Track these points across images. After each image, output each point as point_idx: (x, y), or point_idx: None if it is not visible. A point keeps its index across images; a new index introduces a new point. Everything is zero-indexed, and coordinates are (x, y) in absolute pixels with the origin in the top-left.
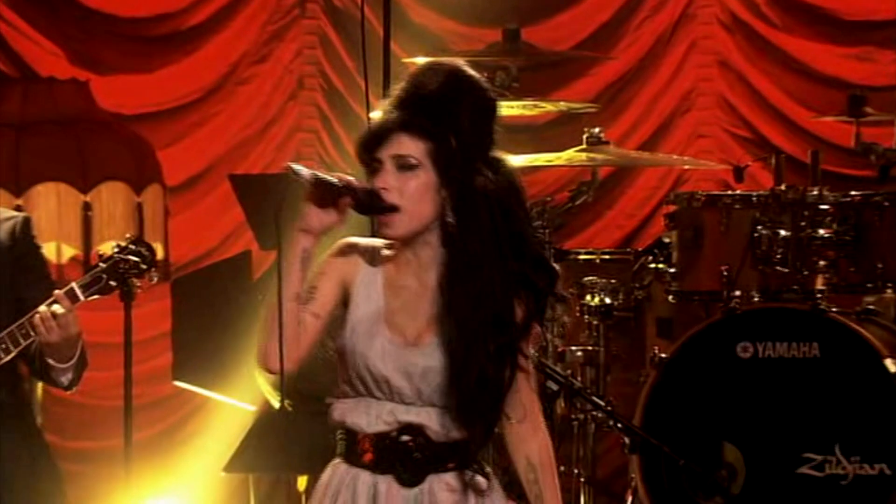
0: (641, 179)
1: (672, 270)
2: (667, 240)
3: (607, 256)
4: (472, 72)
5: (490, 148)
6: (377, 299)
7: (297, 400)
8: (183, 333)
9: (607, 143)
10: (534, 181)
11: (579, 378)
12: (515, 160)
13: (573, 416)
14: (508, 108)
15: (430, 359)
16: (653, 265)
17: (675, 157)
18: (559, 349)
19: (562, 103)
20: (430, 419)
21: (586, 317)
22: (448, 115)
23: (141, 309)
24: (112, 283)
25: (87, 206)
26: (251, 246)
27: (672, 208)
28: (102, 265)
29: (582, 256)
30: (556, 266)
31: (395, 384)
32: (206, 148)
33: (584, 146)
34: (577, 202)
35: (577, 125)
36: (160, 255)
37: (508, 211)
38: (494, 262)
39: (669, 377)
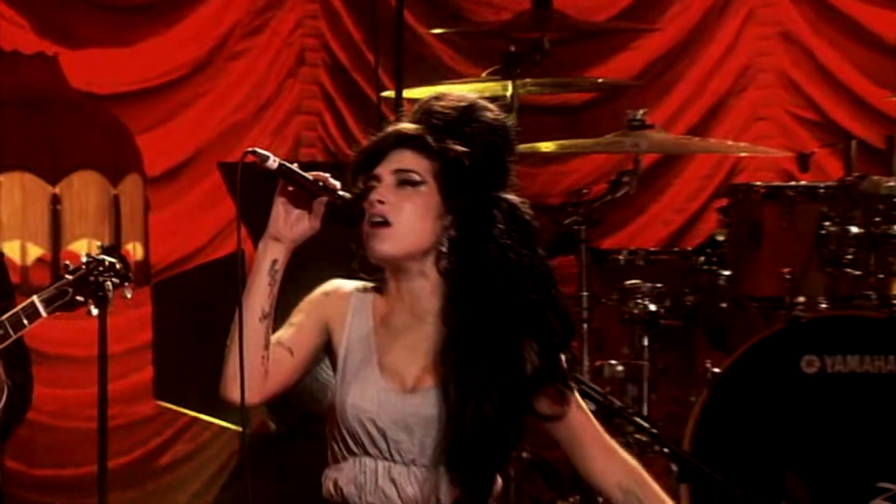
0: (691, 168)
1: (726, 273)
2: (720, 238)
3: (652, 257)
4: (490, 103)
5: (503, 184)
6: (367, 341)
7: (296, 421)
8: (166, 345)
9: (651, 126)
10: (568, 170)
11: (620, 397)
12: (548, 146)
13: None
14: (539, 88)
15: (431, 407)
16: (704, 267)
17: (729, 142)
18: (596, 363)
19: (600, 81)
20: (435, 485)
21: (628, 326)
22: (461, 137)
23: (117, 317)
24: (79, 297)
25: (55, 199)
26: (245, 245)
27: (726, 202)
28: (69, 277)
29: (623, 257)
30: (570, 317)
31: (392, 437)
32: (192, 133)
33: (625, 130)
34: (618, 194)
35: (617, 106)
36: (139, 255)
37: (521, 247)
38: (501, 299)
39: (723, 395)
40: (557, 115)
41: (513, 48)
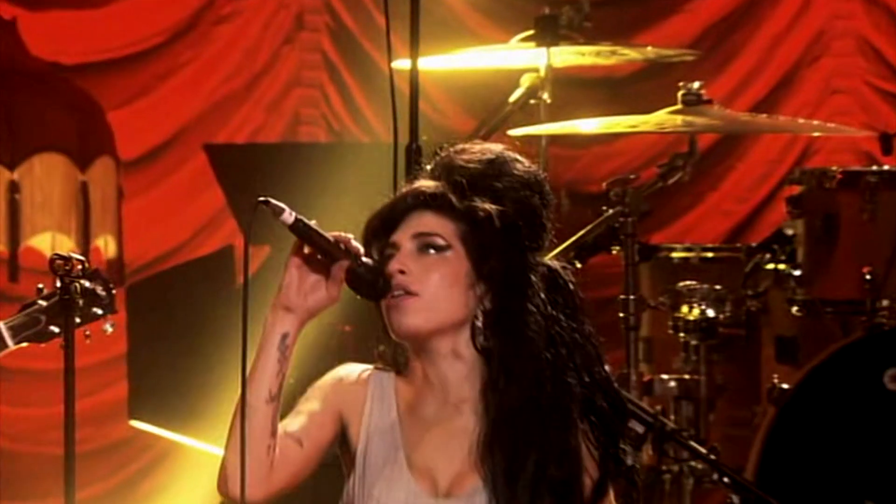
0: (756, 151)
1: (797, 273)
2: (790, 232)
3: (710, 254)
4: (517, 155)
5: (540, 247)
6: (393, 435)
7: None
8: (142, 357)
9: (709, 102)
10: (611, 153)
11: (672, 416)
12: (588, 124)
13: (664, 468)
14: (579, 57)
15: None
16: (771, 266)
17: (800, 120)
18: (645, 378)
19: (649, 49)
20: None
21: (682, 335)
22: (489, 192)
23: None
24: (53, 328)
25: (13, 186)
26: (234, 239)
27: (797, 190)
28: (42, 303)
29: (676, 254)
30: (623, 403)
31: None
32: (172, 109)
33: (678, 107)
34: (670, 181)
35: (669, 79)
36: (111, 251)
37: (567, 319)
38: (551, 383)
39: (793, 415)
40: (599, 89)
41: (547, 10)
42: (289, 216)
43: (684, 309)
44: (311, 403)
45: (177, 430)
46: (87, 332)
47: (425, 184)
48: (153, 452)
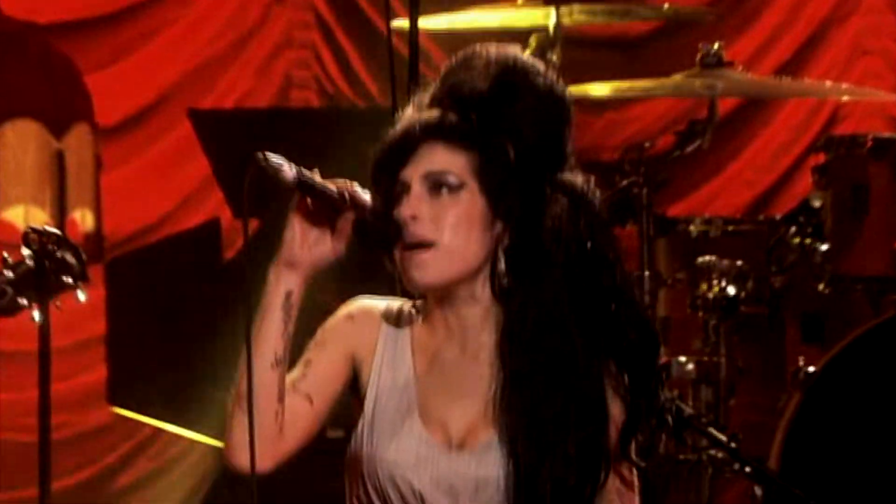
0: (780, 117)
1: (824, 247)
2: (817, 203)
3: (731, 228)
4: (533, 61)
5: (562, 165)
6: (406, 381)
7: None
8: (122, 338)
9: (730, 64)
10: (626, 119)
11: (690, 402)
12: (600, 88)
13: (682, 457)
14: (591, 16)
15: (484, 467)
16: (796, 240)
17: (828, 84)
18: (661, 359)
19: (665, 8)
20: None
21: (701, 314)
22: (502, 119)
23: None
24: (21, 300)
25: None
26: (220, 212)
27: (824, 158)
28: (8, 274)
29: (695, 228)
30: (656, 332)
31: (431, 503)
32: (155, 72)
33: (697, 69)
34: (688, 149)
35: (687, 39)
36: (89, 224)
37: (593, 251)
38: (573, 324)
39: (820, 401)
40: (613, 51)
41: None
42: (289, 171)
43: (703, 286)
44: (319, 350)
45: (160, 417)
46: (58, 304)
47: (433, 113)
48: (135, 441)
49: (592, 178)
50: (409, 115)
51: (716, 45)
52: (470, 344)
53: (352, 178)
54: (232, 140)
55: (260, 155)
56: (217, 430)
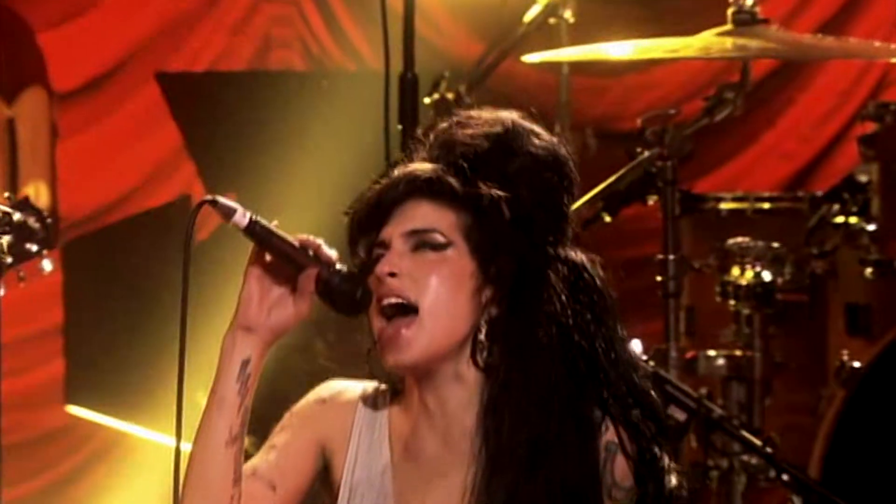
0: (821, 81)
1: (871, 228)
2: (863, 178)
3: (766, 205)
4: (533, 123)
5: (562, 235)
6: (382, 474)
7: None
8: (82, 329)
9: (766, 22)
10: (647, 83)
11: (720, 401)
12: (619, 49)
13: (710, 463)
14: None
15: None
16: (840, 219)
17: (875, 44)
18: (687, 355)
19: None
20: None
21: (732, 303)
22: (499, 177)
23: (15, 289)
24: None
25: None
26: (191, 188)
27: (871, 127)
28: None
29: (725, 205)
30: (665, 410)
31: None
32: (117, 30)
33: (728, 27)
34: (718, 117)
35: None
36: (44, 200)
37: (593, 324)
38: (564, 405)
39: (865, 400)
40: (632, 6)
41: None
42: (241, 218)
43: (735, 271)
44: (286, 435)
45: (123, 418)
46: (22, 274)
47: (420, 167)
48: (94, 443)
49: (598, 259)
50: (394, 172)
51: (749, 1)
52: (452, 429)
53: (339, 153)
54: (204, 107)
55: (209, 198)
56: (188, 433)
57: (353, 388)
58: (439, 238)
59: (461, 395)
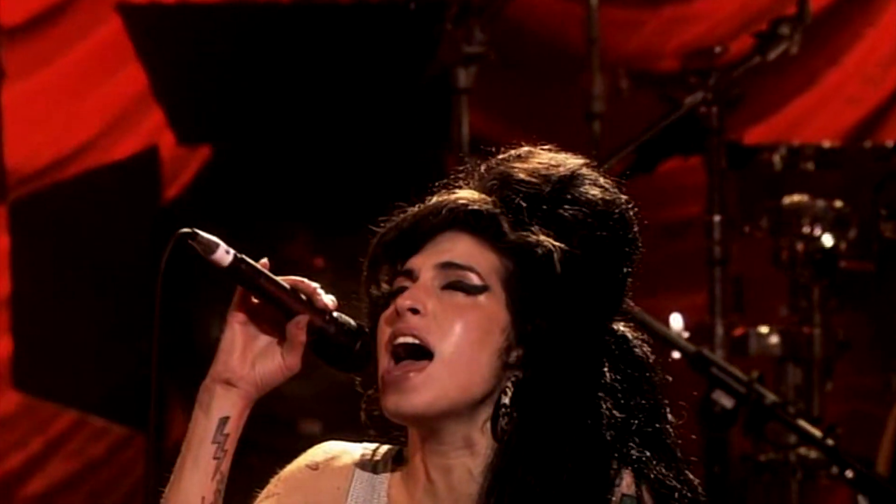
0: (892, 14)
1: None
2: None
3: (827, 158)
4: (600, 174)
5: (613, 305)
6: None
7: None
8: (32, 302)
9: None
10: (689, 16)
11: (775, 386)
12: None
13: (763, 458)
14: None
15: None
16: None
17: None
18: (735, 332)
19: None
20: None
21: (787, 271)
22: (553, 223)
23: None
24: None
25: None
26: (158, 138)
27: None
28: None
29: (779, 158)
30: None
31: None
32: None
33: None
34: (771, 56)
35: None
36: None
37: (636, 409)
38: (583, 479)
39: None
40: None
41: None
42: (224, 255)
43: (791, 236)
44: (269, 502)
45: (82, 404)
46: None
47: (469, 195)
48: (49, 434)
49: (647, 337)
50: (436, 197)
51: None
52: None
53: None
54: (174, 43)
55: (187, 231)
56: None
57: (351, 451)
58: (475, 279)
59: (472, 468)
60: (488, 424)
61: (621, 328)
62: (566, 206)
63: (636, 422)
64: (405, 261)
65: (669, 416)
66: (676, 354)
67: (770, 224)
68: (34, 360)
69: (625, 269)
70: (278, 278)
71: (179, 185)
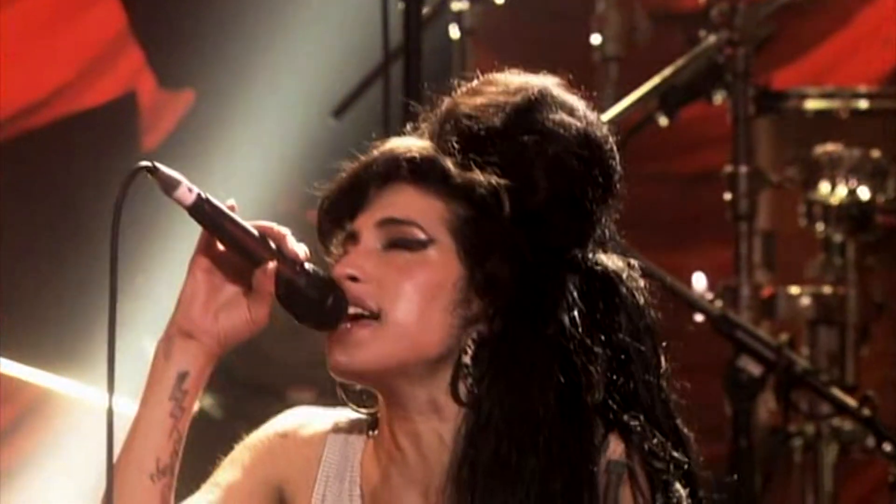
0: None
1: None
2: None
3: (864, 104)
4: (568, 96)
5: (583, 238)
6: None
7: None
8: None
9: None
10: None
11: (805, 350)
12: None
13: (793, 429)
14: None
15: None
16: None
17: None
18: (764, 292)
19: None
20: None
21: (820, 226)
22: (507, 156)
23: None
24: None
25: None
26: (138, 83)
27: None
28: None
29: (812, 104)
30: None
31: None
32: None
33: None
34: None
35: None
36: None
37: (626, 355)
38: (567, 460)
39: None
40: None
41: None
42: (186, 194)
43: (824, 187)
44: (234, 472)
45: (54, 371)
46: None
47: (406, 143)
48: (14, 407)
49: (635, 263)
50: (379, 148)
51: None
52: (435, 474)
53: (334, 51)
54: None
55: (147, 164)
56: (135, 389)
57: (323, 418)
58: (418, 234)
59: (438, 430)
60: (449, 385)
61: (606, 262)
62: (521, 139)
63: (623, 377)
64: (353, 221)
65: (665, 368)
66: (699, 317)
67: (802, 175)
68: (3, 324)
69: (592, 195)
70: (246, 222)
71: (158, 133)
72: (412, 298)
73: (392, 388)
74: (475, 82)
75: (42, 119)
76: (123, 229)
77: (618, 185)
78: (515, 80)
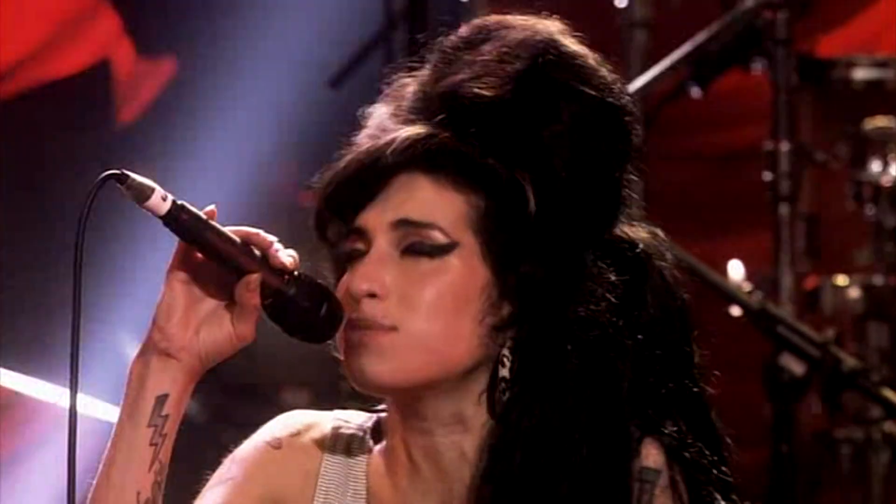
0: None
1: None
2: None
3: None
4: (578, 49)
5: (615, 214)
6: None
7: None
8: None
9: None
10: None
11: (854, 347)
12: None
13: (841, 433)
14: None
15: None
16: None
17: None
18: (806, 282)
19: None
20: None
21: (870, 209)
22: (525, 143)
23: None
24: None
25: None
26: (115, 50)
27: None
28: None
29: (860, 74)
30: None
31: None
32: None
33: None
34: None
35: None
36: None
37: (657, 355)
38: (608, 471)
39: None
40: None
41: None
42: (160, 203)
43: (874, 167)
44: (224, 491)
45: (24, 372)
46: None
47: (415, 130)
48: (13, 415)
49: (660, 233)
50: (377, 126)
51: None
52: (452, 495)
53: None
54: None
55: (115, 172)
56: (112, 390)
57: (322, 424)
58: (439, 238)
59: (461, 443)
60: (484, 397)
61: (633, 236)
62: (539, 112)
63: (657, 376)
64: (356, 214)
65: (698, 363)
66: (736, 310)
67: (850, 153)
68: None
69: (621, 162)
70: (227, 230)
71: (135, 107)
72: (437, 314)
73: (415, 400)
74: (467, 31)
75: (5, 91)
76: (101, 220)
77: (639, 145)
78: (516, 33)
